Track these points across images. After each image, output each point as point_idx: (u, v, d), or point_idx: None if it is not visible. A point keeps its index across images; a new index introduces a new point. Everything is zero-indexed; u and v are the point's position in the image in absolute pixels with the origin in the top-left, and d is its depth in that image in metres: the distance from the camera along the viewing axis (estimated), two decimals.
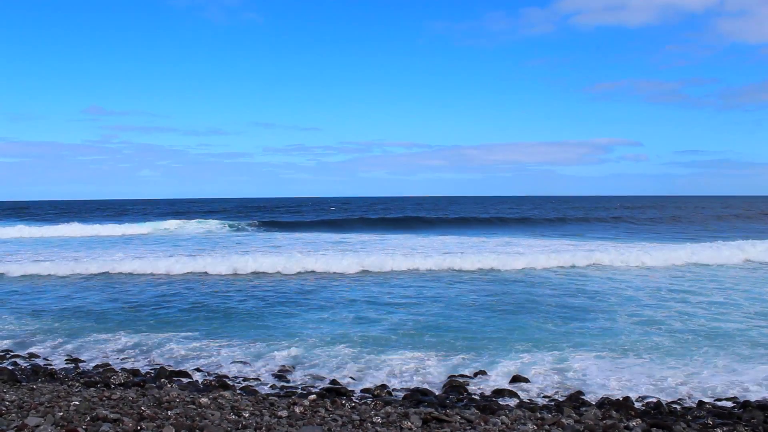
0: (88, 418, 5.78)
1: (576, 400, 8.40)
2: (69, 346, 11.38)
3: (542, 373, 9.64)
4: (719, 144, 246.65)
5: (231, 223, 48.44)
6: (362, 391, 8.71)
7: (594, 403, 8.22)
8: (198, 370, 9.86)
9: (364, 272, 21.13)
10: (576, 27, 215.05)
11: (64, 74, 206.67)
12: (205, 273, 21.05)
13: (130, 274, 21.05)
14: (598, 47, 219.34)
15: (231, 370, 9.90)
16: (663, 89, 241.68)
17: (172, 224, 46.38)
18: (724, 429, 7.04)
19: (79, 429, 5.42)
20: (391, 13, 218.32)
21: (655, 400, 8.39)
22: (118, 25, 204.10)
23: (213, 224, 47.40)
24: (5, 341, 11.69)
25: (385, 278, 19.94)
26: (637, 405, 8.10)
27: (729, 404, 8.25)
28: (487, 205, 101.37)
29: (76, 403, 6.44)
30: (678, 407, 8.05)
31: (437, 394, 8.71)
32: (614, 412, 7.53)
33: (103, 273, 21.10)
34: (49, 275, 20.74)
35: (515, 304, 15.33)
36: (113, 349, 11.19)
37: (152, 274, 20.96)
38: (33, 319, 13.80)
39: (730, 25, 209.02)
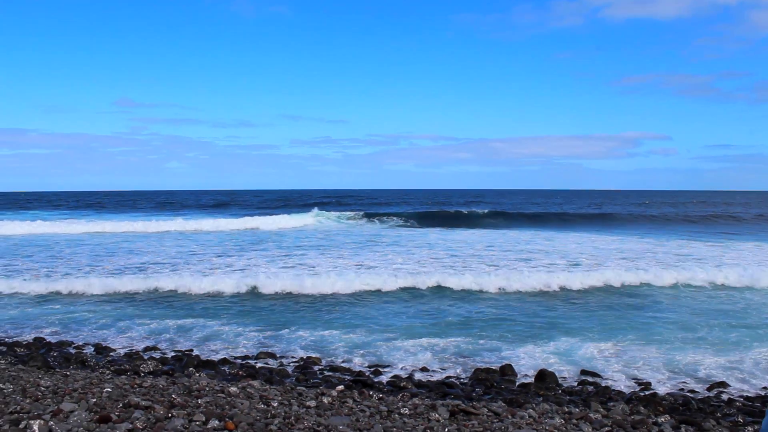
0: (121, 405, 5.86)
1: (604, 394, 8.34)
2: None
3: (570, 368, 9.60)
4: (751, 138, 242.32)
5: (361, 214, 46.90)
6: (388, 383, 8.74)
7: (622, 398, 8.16)
8: (224, 361, 9.98)
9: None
10: (606, 20, 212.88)
11: (95, 67, 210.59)
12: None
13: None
14: (627, 40, 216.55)
15: (258, 361, 10.02)
16: (693, 83, 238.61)
17: (306, 218, 43.80)
18: (755, 427, 6.95)
19: (111, 415, 5.50)
20: (418, 5, 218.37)
21: (683, 396, 8.30)
22: (148, 18, 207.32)
23: (349, 215, 46.21)
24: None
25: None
26: (666, 401, 8.02)
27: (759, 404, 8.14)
28: (552, 199, 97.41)
29: (109, 389, 6.55)
30: (706, 405, 7.95)
31: (463, 386, 8.71)
32: (642, 408, 7.46)
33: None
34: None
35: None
36: None
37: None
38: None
39: (765, 17, 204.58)
